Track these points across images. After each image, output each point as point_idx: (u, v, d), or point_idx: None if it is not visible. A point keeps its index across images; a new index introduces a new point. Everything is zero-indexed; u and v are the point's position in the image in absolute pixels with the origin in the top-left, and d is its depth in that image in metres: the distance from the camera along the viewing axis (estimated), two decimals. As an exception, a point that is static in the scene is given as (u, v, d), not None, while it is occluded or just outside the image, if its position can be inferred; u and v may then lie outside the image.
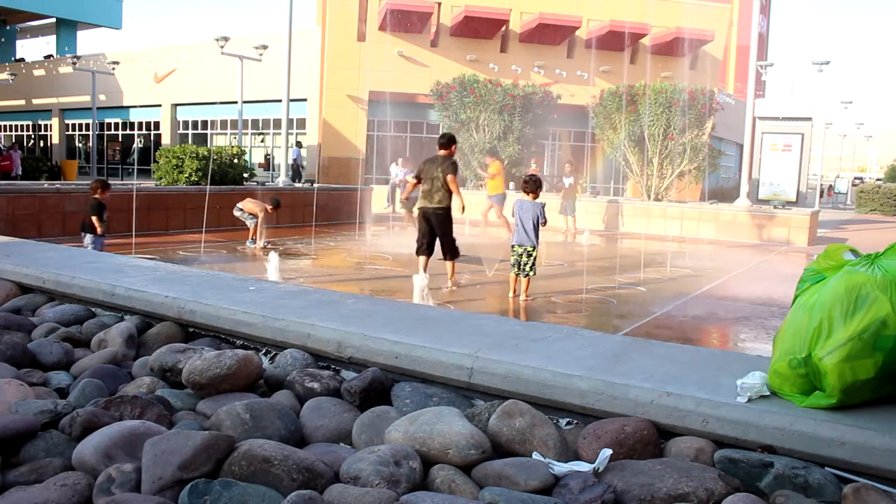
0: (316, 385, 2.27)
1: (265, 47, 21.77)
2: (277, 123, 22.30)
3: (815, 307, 1.83)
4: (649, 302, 6.96)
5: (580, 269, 9.08)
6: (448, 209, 7.03)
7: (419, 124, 25.64)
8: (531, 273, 6.47)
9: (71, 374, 2.54)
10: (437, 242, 7.04)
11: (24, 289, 3.54)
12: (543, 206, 6.52)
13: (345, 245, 10.68)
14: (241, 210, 9.62)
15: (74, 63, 28.51)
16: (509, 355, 2.22)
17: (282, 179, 15.93)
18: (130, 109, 31.36)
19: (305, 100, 24.47)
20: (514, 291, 6.59)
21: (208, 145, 25.89)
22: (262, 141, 27.72)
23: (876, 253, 1.86)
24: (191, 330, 2.93)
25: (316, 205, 12.75)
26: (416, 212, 7.64)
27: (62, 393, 2.34)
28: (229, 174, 13.17)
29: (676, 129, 16.98)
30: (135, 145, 31.04)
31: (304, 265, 8.46)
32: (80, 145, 33.96)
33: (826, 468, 1.68)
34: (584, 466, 1.76)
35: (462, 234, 11.40)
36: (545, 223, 6.55)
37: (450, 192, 6.93)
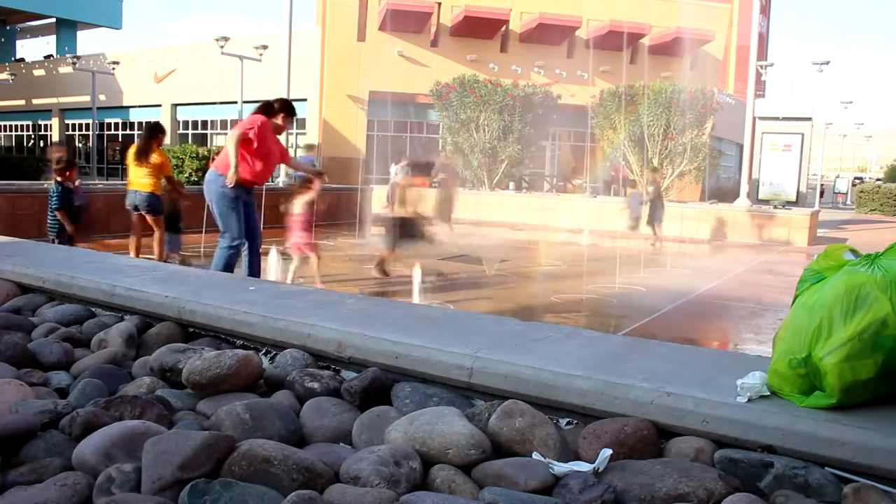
0: (316, 385, 2.26)
1: (265, 47, 21.77)
2: (277, 123, 22.25)
3: (814, 307, 1.83)
4: (650, 301, 6.97)
5: (581, 269, 9.08)
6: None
7: (419, 124, 25.64)
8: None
9: (71, 374, 2.53)
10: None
11: (24, 289, 3.54)
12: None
13: (345, 245, 10.67)
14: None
15: (74, 63, 28.51)
16: (509, 355, 2.22)
17: (281, 179, 15.91)
18: (130, 109, 31.34)
19: (305, 100, 24.45)
20: None
21: (208, 145, 25.95)
22: (262, 141, 27.70)
23: (876, 253, 1.86)
24: (191, 330, 2.93)
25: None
26: None
27: (62, 393, 2.34)
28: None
29: (676, 129, 16.99)
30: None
31: (302, 265, 8.45)
32: (80, 145, 33.96)
33: (826, 468, 1.68)
34: (584, 466, 1.76)
35: (462, 234, 11.40)
36: None
37: None
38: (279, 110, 5.63)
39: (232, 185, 5.30)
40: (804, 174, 16.60)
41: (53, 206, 6.79)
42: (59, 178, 6.87)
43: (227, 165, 5.34)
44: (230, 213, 5.41)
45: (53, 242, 6.70)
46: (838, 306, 1.77)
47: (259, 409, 2.00)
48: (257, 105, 5.70)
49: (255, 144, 5.34)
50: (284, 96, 15.97)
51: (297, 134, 25.78)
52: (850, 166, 67.68)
